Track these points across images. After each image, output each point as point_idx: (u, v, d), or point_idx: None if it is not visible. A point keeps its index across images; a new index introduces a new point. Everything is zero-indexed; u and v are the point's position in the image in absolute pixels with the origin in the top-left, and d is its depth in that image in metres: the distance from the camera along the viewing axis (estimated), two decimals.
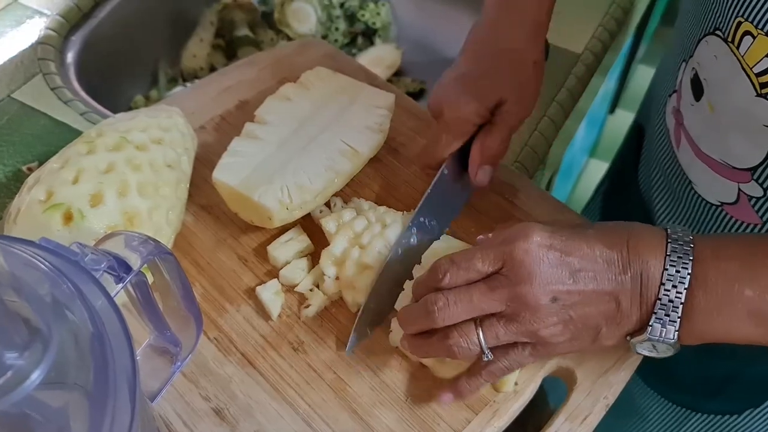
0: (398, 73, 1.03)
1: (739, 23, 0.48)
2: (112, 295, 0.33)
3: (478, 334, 0.46)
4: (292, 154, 0.59)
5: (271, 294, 0.55)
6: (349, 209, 0.58)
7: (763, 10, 0.46)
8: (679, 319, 0.43)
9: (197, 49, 0.98)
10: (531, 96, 0.58)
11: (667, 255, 0.43)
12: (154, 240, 0.39)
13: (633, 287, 0.44)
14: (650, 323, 0.43)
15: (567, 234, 0.46)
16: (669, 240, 0.44)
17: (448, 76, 0.58)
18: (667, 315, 0.43)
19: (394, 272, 0.53)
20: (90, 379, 0.28)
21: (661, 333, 0.43)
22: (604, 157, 1.88)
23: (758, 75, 0.48)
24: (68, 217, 0.48)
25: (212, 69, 0.97)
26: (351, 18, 1.06)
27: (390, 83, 1.00)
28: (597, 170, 1.85)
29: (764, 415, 0.66)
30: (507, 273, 0.45)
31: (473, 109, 0.55)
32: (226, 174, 0.57)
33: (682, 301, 0.42)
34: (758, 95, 0.48)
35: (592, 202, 0.93)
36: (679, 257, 0.43)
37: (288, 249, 0.57)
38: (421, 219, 0.56)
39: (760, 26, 0.46)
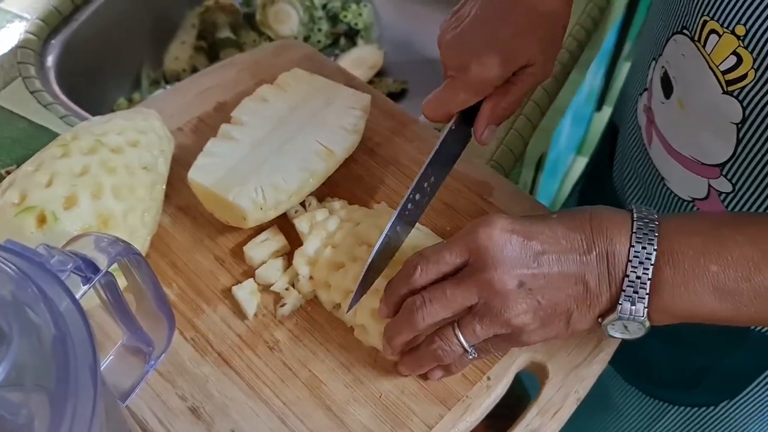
0: (380, 74, 1.03)
1: (705, 22, 0.49)
2: (78, 296, 0.33)
3: (457, 335, 0.46)
4: (267, 154, 0.59)
5: (246, 294, 0.55)
6: (321, 209, 0.59)
7: (727, 9, 0.47)
8: (647, 296, 0.43)
9: (179, 51, 0.98)
10: (553, 60, 0.55)
11: (633, 232, 0.44)
12: (123, 241, 0.40)
13: (600, 267, 0.44)
14: (620, 301, 0.44)
15: (529, 220, 0.46)
16: (634, 218, 0.44)
17: (474, 19, 0.53)
18: (636, 292, 0.43)
19: (395, 236, 0.52)
20: (52, 380, 0.29)
21: (631, 311, 0.44)
22: (590, 155, 1.89)
23: (724, 73, 0.49)
24: (42, 220, 0.49)
25: (195, 71, 0.98)
26: (333, 19, 1.06)
27: (372, 83, 1.01)
28: (583, 167, 1.86)
29: (740, 405, 0.67)
30: (473, 261, 0.46)
31: (501, 72, 0.52)
32: (201, 174, 0.57)
33: (650, 277, 0.43)
34: (725, 92, 0.49)
35: (568, 201, 0.94)
36: (644, 234, 0.43)
37: (264, 249, 0.58)
38: (428, 173, 0.53)
39: (725, 24, 0.47)
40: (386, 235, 0.49)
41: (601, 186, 0.76)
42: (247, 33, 1.03)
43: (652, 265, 0.43)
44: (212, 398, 0.51)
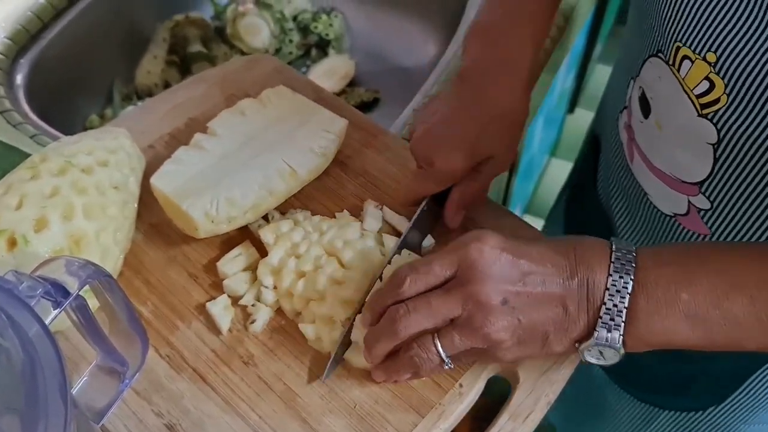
0: (352, 83, 1.04)
1: (678, 47, 0.50)
2: (48, 321, 0.34)
3: (435, 345, 0.47)
4: (232, 168, 0.60)
5: (220, 309, 0.56)
6: (286, 220, 0.59)
7: (698, 36, 0.48)
8: (623, 324, 0.45)
9: (151, 66, 0.98)
10: (514, 151, 0.60)
11: (611, 262, 0.45)
12: (94, 264, 0.40)
13: (580, 293, 0.46)
14: (596, 328, 0.45)
15: (519, 241, 0.48)
16: (613, 250, 0.46)
17: (443, 118, 0.58)
18: (612, 320, 0.45)
19: None
20: (22, 403, 0.29)
21: (607, 338, 0.45)
22: (565, 157, 1.91)
23: (698, 96, 0.50)
24: (12, 243, 0.49)
25: (167, 85, 0.98)
26: (304, 30, 1.07)
27: (344, 93, 1.02)
28: (559, 170, 1.88)
29: (726, 410, 0.69)
30: (461, 274, 0.47)
31: (465, 165, 0.56)
32: (162, 181, 0.58)
33: (626, 306, 0.44)
34: (699, 115, 0.50)
35: (555, 210, 0.95)
36: (622, 264, 0.45)
37: (237, 264, 0.58)
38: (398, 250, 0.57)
39: (696, 51, 0.48)
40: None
41: (586, 198, 0.78)
42: (218, 46, 1.03)
43: (628, 294, 0.44)
44: (189, 414, 0.51)
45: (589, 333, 0.46)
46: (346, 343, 0.53)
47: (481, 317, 0.45)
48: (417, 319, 0.47)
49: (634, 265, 0.45)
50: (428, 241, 0.60)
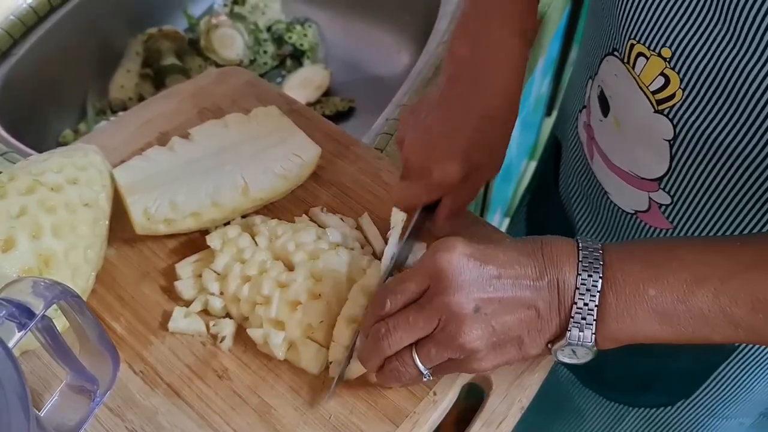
0: (327, 93, 1.05)
1: (632, 45, 0.51)
2: (12, 343, 0.34)
3: (414, 358, 0.48)
4: (190, 173, 0.61)
5: (183, 321, 0.56)
6: (234, 226, 0.60)
7: (653, 32, 0.49)
8: (594, 322, 0.45)
9: (125, 79, 0.98)
10: (502, 158, 0.60)
11: (579, 261, 0.45)
12: (61, 284, 0.40)
13: (551, 293, 0.46)
14: (569, 328, 0.45)
15: (485, 245, 0.48)
16: (580, 248, 0.46)
17: (431, 123, 0.57)
18: (584, 318, 0.45)
19: None
20: None
21: (579, 337, 0.45)
22: None
23: (654, 93, 0.51)
24: None
25: (141, 99, 0.98)
26: (279, 41, 1.07)
27: (319, 103, 1.02)
28: None
29: (696, 404, 0.69)
30: (433, 286, 0.47)
31: (460, 174, 0.56)
32: (122, 173, 0.60)
33: (597, 304, 0.45)
34: (656, 111, 0.51)
35: (517, 213, 0.96)
36: (590, 262, 0.45)
37: (192, 268, 0.59)
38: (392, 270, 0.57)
39: (651, 47, 0.49)
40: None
41: (548, 200, 0.78)
42: (192, 59, 1.03)
43: (598, 292, 0.45)
44: (163, 430, 0.51)
45: (561, 333, 0.46)
46: (346, 363, 0.53)
47: (454, 327, 0.45)
48: (398, 336, 0.47)
49: (601, 262, 0.45)
50: (422, 250, 0.60)
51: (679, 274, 0.44)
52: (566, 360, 0.48)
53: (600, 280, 0.45)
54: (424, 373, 0.48)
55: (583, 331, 0.45)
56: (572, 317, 0.45)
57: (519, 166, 1.73)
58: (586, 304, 0.45)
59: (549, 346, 0.47)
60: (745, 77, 0.45)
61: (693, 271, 0.44)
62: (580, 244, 0.46)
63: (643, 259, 0.45)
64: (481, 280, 0.46)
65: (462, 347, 0.46)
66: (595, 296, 0.45)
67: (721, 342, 0.46)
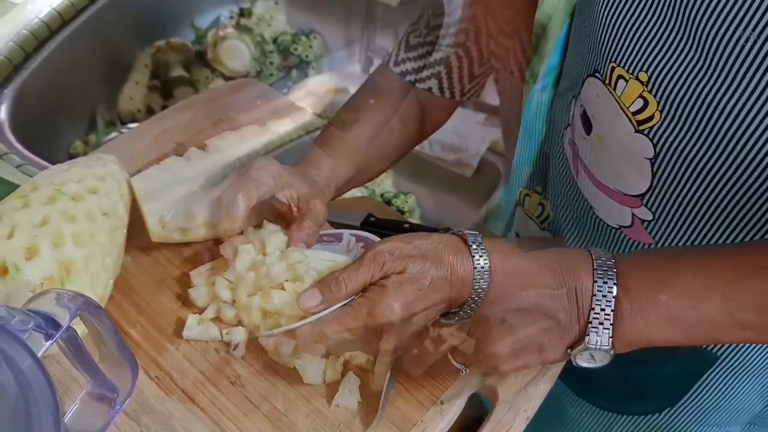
0: (333, 103, 1.06)
1: (613, 68, 0.53)
2: (40, 353, 0.35)
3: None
4: (206, 184, 0.62)
5: (197, 329, 0.57)
6: (247, 236, 0.61)
7: (631, 56, 0.51)
8: (611, 327, 0.47)
9: (133, 91, 1.00)
10: None
11: (594, 269, 0.48)
12: (83, 295, 0.42)
13: (570, 302, 0.48)
14: (587, 333, 0.48)
15: (512, 258, 0.51)
16: (593, 258, 0.49)
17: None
18: (601, 323, 0.47)
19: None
20: None
21: (597, 342, 0.48)
22: None
23: (634, 114, 0.53)
24: (3, 271, 0.50)
25: (149, 110, 1.00)
26: (284, 52, 1.09)
27: (326, 111, 1.04)
28: None
29: (682, 412, 0.70)
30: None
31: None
32: (140, 181, 0.61)
33: (613, 309, 0.47)
34: (637, 131, 0.53)
35: (509, 224, 0.97)
36: (604, 270, 0.48)
37: (206, 276, 0.60)
38: None
39: (629, 70, 0.51)
40: None
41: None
42: (199, 70, 1.05)
43: (614, 298, 0.47)
44: None
45: (580, 338, 0.49)
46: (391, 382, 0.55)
47: (480, 335, 0.49)
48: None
49: (615, 270, 0.48)
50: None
51: (689, 280, 0.47)
52: (584, 364, 0.50)
53: (615, 287, 0.47)
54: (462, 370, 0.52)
55: (600, 336, 0.48)
56: (590, 322, 0.48)
57: (521, 174, 1.74)
58: (602, 310, 0.47)
59: (568, 351, 0.50)
60: (717, 103, 0.47)
61: (703, 278, 0.47)
62: (594, 254, 0.49)
63: (654, 267, 0.48)
64: (507, 293, 0.49)
65: (486, 355, 0.49)
66: (610, 302, 0.47)
67: (729, 343, 0.48)
